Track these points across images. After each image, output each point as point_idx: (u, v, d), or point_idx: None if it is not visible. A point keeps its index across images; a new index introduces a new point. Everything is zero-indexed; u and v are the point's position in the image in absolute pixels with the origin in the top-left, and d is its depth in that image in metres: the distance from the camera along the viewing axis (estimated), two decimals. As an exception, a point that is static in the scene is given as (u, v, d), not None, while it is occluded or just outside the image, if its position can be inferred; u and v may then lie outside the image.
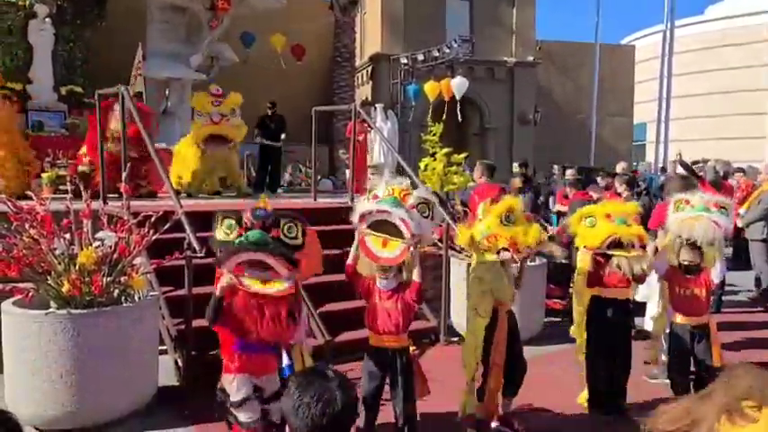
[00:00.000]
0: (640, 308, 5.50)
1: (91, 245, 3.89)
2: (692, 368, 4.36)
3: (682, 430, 1.36)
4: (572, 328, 4.53)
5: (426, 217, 3.40)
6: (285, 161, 11.88)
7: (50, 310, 3.77)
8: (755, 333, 6.41)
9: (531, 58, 20.95)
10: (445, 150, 9.36)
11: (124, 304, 4.01)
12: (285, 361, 3.34)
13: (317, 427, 1.58)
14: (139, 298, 4.15)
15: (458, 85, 16.15)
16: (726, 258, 7.14)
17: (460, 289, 5.80)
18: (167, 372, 4.54)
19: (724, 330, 4.72)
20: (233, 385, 3.03)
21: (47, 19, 10.44)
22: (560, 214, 8.05)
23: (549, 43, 23.19)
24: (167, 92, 11.55)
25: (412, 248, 3.31)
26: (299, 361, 3.43)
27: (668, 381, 4.51)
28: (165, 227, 4.17)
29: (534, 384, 4.06)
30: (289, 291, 2.91)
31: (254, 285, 2.90)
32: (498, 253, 3.69)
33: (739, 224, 7.83)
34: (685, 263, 4.22)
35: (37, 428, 3.79)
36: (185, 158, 8.51)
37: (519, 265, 3.84)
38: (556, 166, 14.07)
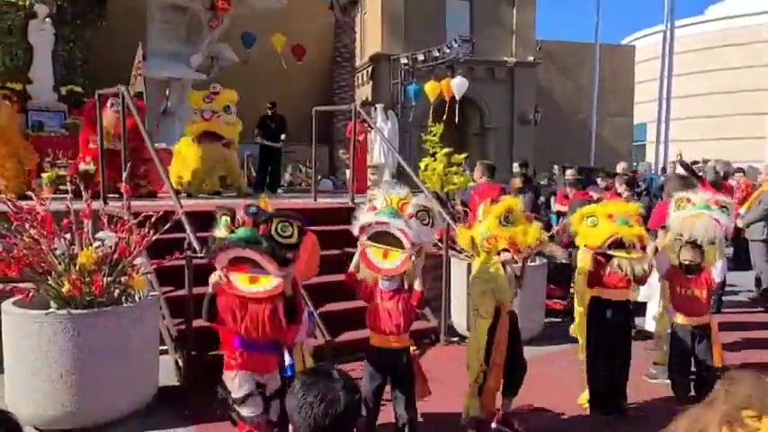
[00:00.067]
0: (641, 308, 5.49)
1: (91, 245, 3.89)
2: (693, 368, 4.37)
3: None
4: (572, 326, 4.54)
5: (426, 224, 3.40)
6: (285, 161, 11.88)
7: (51, 310, 3.77)
8: (756, 333, 6.40)
9: (531, 59, 20.95)
10: (445, 150, 9.37)
11: (124, 304, 4.01)
12: (287, 360, 3.34)
13: (320, 427, 1.58)
14: (140, 298, 4.15)
15: (458, 85, 16.15)
16: (726, 258, 7.13)
17: (461, 289, 5.80)
18: (168, 372, 4.54)
19: (724, 330, 4.72)
20: (235, 381, 3.03)
21: (47, 19, 10.44)
22: (560, 214, 8.05)
23: (550, 43, 23.19)
24: (167, 92, 11.55)
25: (413, 258, 3.31)
26: (300, 361, 3.44)
27: (668, 381, 4.51)
28: (166, 227, 4.17)
29: (534, 384, 4.06)
30: (275, 290, 2.88)
31: (242, 284, 2.89)
32: (499, 254, 3.69)
33: (739, 224, 7.83)
34: (686, 262, 4.23)
35: (37, 428, 3.78)
36: (185, 158, 8.51)
37: (520, 264, 3.84)
38: (556, 167, 14.07)
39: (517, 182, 8.42)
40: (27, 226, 3.80)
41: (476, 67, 19.66)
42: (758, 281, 7.96)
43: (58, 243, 3.86)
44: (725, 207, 4.16)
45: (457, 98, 16.06)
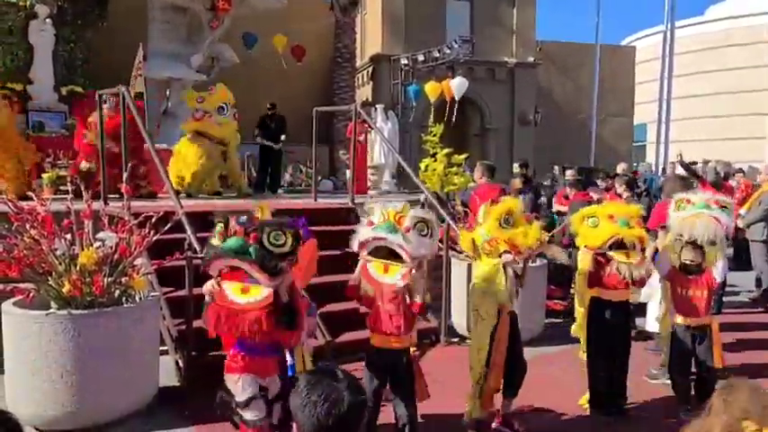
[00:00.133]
0: (641, 309, 5.50)
1: (92, 245, 3.89)
2: (693, 369, 4.37)
3: None
4: (573, 327, 4.54)
5: (425, 235, 3.40)
6: (285, 161, 11.88)
7: (51, 310, 3.77)
8: (756, 334, 6.41)
9: (531, 59, 20.94)
10: (446, 151, 9.37)
11: (125, 305, 4.01)
12: (288, 360, 3.34)
13: (323, 426, 1.58)
14: (140, 298, 4.15)
15: (457, 85, 16.14)
16: (727, 258, 7.14)
17: (461, 289, 5.81)
18: (168, 372, 4.54)
19: (724, 331, 4.71)
20: (238, 385, 3.01)
21: (47, 19, 10.45)
22: (559, 214, 8.05)
23: (550, 44, 23.19)
24: (168, 92, 11.55)
25: (413, 271, 3.32)
26: (300, 362, 3.44)
27: (668, 381, 4.52)
28: (166, 227, 4.17)
29: (534, 385, 4.06)
30: (265, 302, 2.84)
31: (233, 294, 2.87)
32: (500, 256, 3.70)
33: (739, 225, 7.83)
34: (687, 262, 4.23)
35: (37, 428, 3.78)
36: (185, 158, 8.50)
37: (521, 264, 3.84)
38: (556, 167, 14.07)
39: (517, 182, 8.42)
40: (28, 226, 3.80)
41: (476, 68, 19.66)
42: (758, 281, 7.96)
43: (58, 243, 3.86)
44: (725, 207, 4.17)
45: (457, 99, 16.06)
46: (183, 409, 4.15)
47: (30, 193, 4.44)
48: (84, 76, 11.17)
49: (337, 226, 6.35)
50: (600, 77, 21.51)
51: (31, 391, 3.74)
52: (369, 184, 10.82)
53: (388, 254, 3.36)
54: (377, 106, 12.33)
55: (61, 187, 7.14)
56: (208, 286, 2.92)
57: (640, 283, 4.15)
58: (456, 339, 5.89)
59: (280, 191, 10.76)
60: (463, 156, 9.75)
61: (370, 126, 9.59)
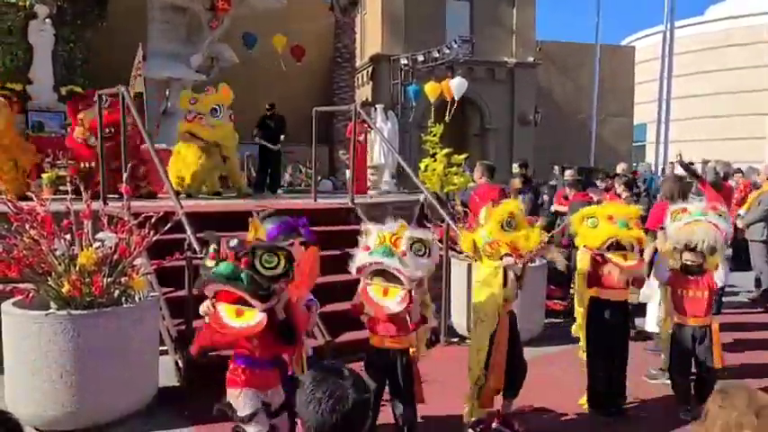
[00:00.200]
0: (641, 309, 5.50)
1: (91, 245, 3.89)
2: (693, 369, 4.37)
3: None
4: (573, 327, 4.54)
5: (422, 255, 3.37)
6: (285, 162, 11.89)
7: (50, 310, 3.77)
8: (756, 334, 6.41)
9: (531, 59, 20.96)
10: (445, 151, 9.38)
11: (124, 305, 4.01)
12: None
13: (327, 423, 1.58)
14: (140, 299, 4.15)
15: (457, 85, 16.15)
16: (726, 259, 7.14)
17: (461, 289, 5.81)
18: (168, 372, 4.54)
19: (724, 331, 4.71)
20: (239, 400, 2.97)
21: (47, 19, 10.45)
22: (559, 214, 8.05)
23: (550, 44, 23.20)
24: (168, 92, 11.55)
25: (413, 293, 3.32)
26: (298, 363, 3.43)
27: (668, 381, 4.52)
28: (166, 227, 4.17)
29: (534, 385, 4.06)
30: (258, 327, 2.81)
31: (227, 317, 2.85)
32: (501, 258, 3.70)
33: (739, 224, 7.83)
34: (687, 262, 4.23)
35: (37, 429, 3.78)
36: (185, 158, 8.50)
37: (521, 265, 3.84)
38: (556, 167, 14.06)
39: (517, 182, 8.42)
40: (27, 227, 3.80)
41: (476, 68, 19.67)
42: (758, 281, 7.97)
43: (57, 244, 3.85)
44: (721, 214, 4.20)
45: (456, 99, 16.06)
46: (183, 410, 4.15)
47: (29, 194, 4.43)
48: (83, 76, 11.15)
49: (337, 226, 6.36)
50: (600, 77, 21.51)
51: (30, 391, 3.74)
52: (368, 184, 10.82)
53: (388, 278, 3.36)
54: (376, 106, 12.33)
55: (61, 187, 7.14)
56: (203, 307, 2.92)
57: (639, 283, 4.17)
58: (456, 339, 5.89)
59: (279, 191, 10.75)
60: (463, 156, 9.76)
61: (369, 126, 9.59)
